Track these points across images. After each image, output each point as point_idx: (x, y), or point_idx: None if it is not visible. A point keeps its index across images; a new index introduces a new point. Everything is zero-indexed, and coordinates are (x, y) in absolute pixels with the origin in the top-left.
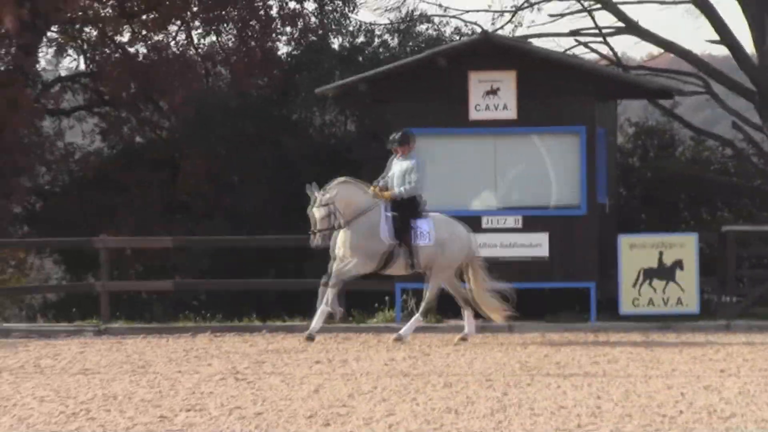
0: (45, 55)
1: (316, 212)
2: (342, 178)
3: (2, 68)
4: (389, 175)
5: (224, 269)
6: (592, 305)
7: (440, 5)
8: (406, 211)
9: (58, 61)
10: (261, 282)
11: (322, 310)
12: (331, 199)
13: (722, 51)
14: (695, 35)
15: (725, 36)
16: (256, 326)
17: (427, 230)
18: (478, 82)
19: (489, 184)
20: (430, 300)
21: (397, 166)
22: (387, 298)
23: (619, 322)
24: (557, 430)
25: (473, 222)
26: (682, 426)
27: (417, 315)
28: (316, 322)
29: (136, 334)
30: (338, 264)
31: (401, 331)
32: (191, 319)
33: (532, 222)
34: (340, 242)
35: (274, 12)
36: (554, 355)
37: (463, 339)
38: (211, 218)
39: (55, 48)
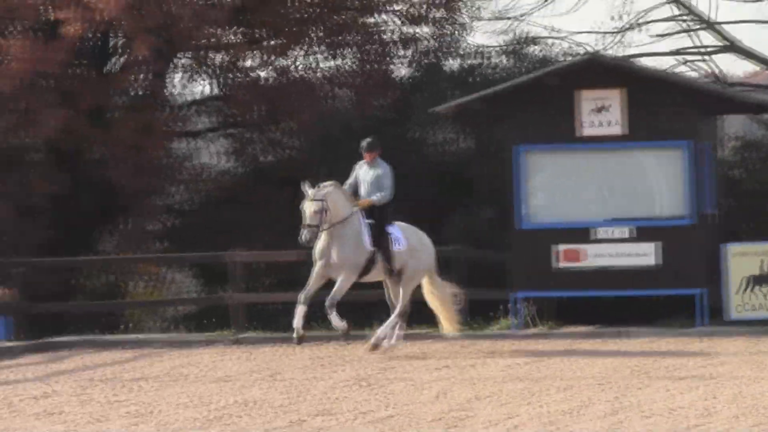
0: (177, 80)
1: (310, 206)
2: (332, 182)
3: (138, 93)
4: (353, 182)
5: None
6: (700, 311)
7: (549, 27)
8: (381, 218)
9: (190, 85)
10: (384, 293)
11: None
12: (326, 195)
13: None
14: None
15: None
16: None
17: (398, 236)
18: (586, 100)
19: (599, 196)
20: (405, 305)
21: (367, 174)
22: (501, 307)
23: (726, 326)
24: (669, 431)
25: (585, 233)
26: None
27: (393, 318)
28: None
29: (268, 343)
30: (319, 270)
31: (380, 336)
32: (319, 328)
33: (642, 232)
34: (324, 249)
35: (391, 36)
36: (664, 359)
37: (376, 347)
38: None
39: (186, 73)
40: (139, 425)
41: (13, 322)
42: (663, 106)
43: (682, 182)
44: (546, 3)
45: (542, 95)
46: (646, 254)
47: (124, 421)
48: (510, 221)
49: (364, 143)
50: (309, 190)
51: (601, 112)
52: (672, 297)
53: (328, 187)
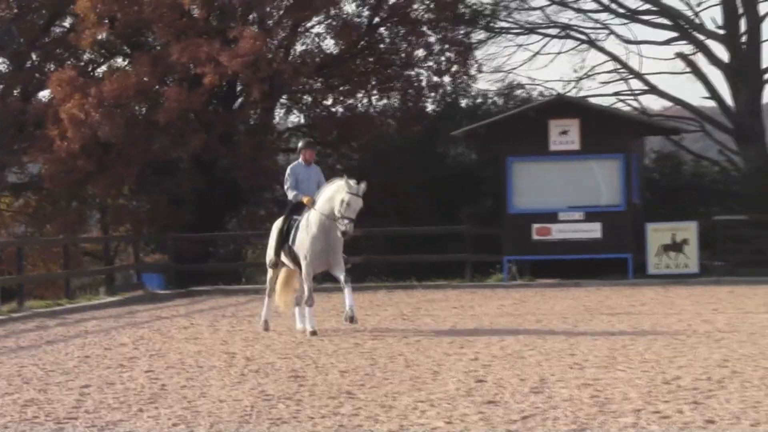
0: (279, 114)
1: (360, 202)
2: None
3: (252, 122)
4: (294, 183)
5: (395, 248)
6: (629, 269)
7: (530, 77)
8: None
9: (288, 117)
10: (419, 257)
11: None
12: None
13: (712, 103)
14: (694, 92)
15: (713, 93)
16: (415, 285)
17: None
18: (555, 126)
19: (562, 191)
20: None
21: (309, 174)
22: (498, 266)
23: (646, 279)
24: (610, 348)
25: (552, 216)
26: (704, 341)
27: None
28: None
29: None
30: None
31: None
32: (374, 281)
33: (590, 215)
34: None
35: (423, 83)
36: (606, 301)
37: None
38: (388, 216)
39: (285, 109)
40: (255, 346)
41: (165, 278)
42: (606, 130)
43: (618, 182)
44: (527, 61)
45: (525, 123)
46: (593, 230)
47: (243, 344)
48: (503, 208)
49: (303, 142)
50: (356, 186)
51: (565, 134)
52: (610, 259)
53: (361, 184)
